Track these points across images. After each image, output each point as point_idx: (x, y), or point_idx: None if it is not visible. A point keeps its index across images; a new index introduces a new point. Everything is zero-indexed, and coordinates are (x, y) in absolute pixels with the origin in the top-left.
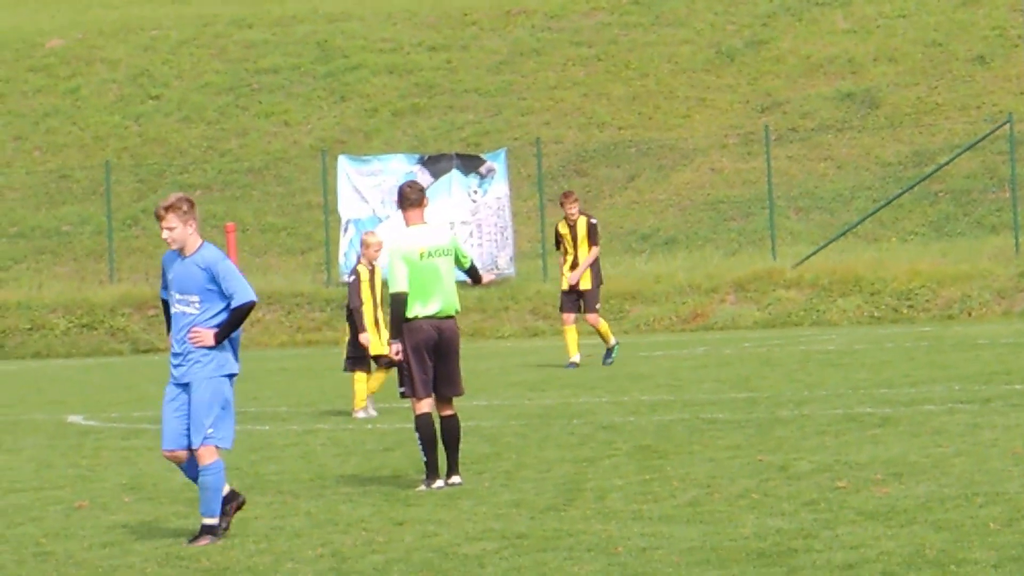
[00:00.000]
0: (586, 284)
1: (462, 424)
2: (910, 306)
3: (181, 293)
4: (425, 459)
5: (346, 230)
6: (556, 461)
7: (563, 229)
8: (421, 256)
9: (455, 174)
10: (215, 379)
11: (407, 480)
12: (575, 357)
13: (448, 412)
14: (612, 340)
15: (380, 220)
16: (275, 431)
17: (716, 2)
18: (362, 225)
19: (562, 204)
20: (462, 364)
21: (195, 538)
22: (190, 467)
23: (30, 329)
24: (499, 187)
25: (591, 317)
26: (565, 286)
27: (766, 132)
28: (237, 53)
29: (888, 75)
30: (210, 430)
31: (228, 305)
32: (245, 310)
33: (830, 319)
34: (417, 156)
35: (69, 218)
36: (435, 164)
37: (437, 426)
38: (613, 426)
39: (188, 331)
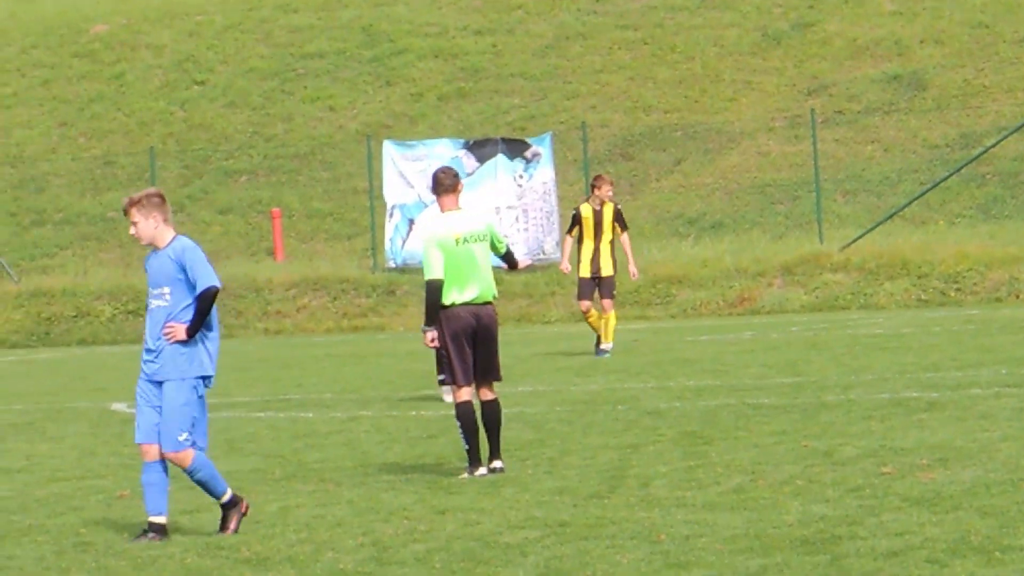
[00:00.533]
0: (608, 270)
1: (506, 410)
2: (957, 289)
3: (155, 287)
4: (467, 447)
5: (392, 215)
6: (600, 448)
7: (586, 212)
8: (457, 242)
9: (500, 159)
10: (188, 380)
11: (450, 468)
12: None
13: (489, 396)
14: (611, 343)
15: (426, 205)
16: (319, 418)
17: None
18: (408, 210)
19: (595, 187)
20: (508, 349)
21: (223, 524)
22: (150, 468)
23: (75, 316)
24: (545, 171)
25: (607, 303)
26: (587, 272)
27: (812, 115)
28: (282, 38)
29: (935, 57)
30: (183, 436)
31: None
32: (208, 296)
33: (877, 302)
34: (462, 141)
35: (114, 204)
36: (480, 149)
37: (478, 413)
38: (658, 412)
39: (163, 326)
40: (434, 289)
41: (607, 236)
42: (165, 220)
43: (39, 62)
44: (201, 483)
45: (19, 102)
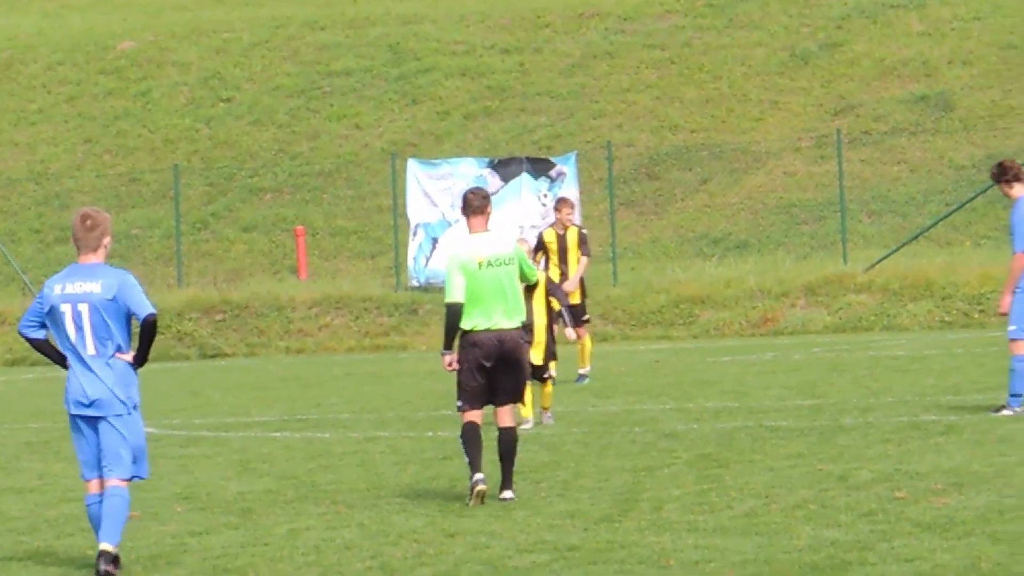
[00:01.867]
0: (576, 297)
1: (523, 432)
2: (981, 311)
3: None
4: (467, 459)
5: (415, 234)
6: (615, 470)
7: (549, 237)
8: (480, 265)
9: (525, 178)
10: None
11: (463, 490)
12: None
13: (507, 424)
14: (588, 367)
15: (449, 224)
16: (335, 439)
17: (790, 4)
18: (431, 229)
19: (558, 210)
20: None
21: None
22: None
23: None
24: (569, 191)
25: (580, 331)
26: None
27: (838, 135)
28: (309, 55)
29: (963, 78)
30: None
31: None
32: None
33: (901, 324)
34: (487, 159)
35: (138, 221)
36: (505, 168)
37: (493, 436)
38: (675, 434)
39: None
40: (453, 313)
41: (573, 260)
42: (76, 245)
43: (65, 79)
44: None
45: (44, 119)
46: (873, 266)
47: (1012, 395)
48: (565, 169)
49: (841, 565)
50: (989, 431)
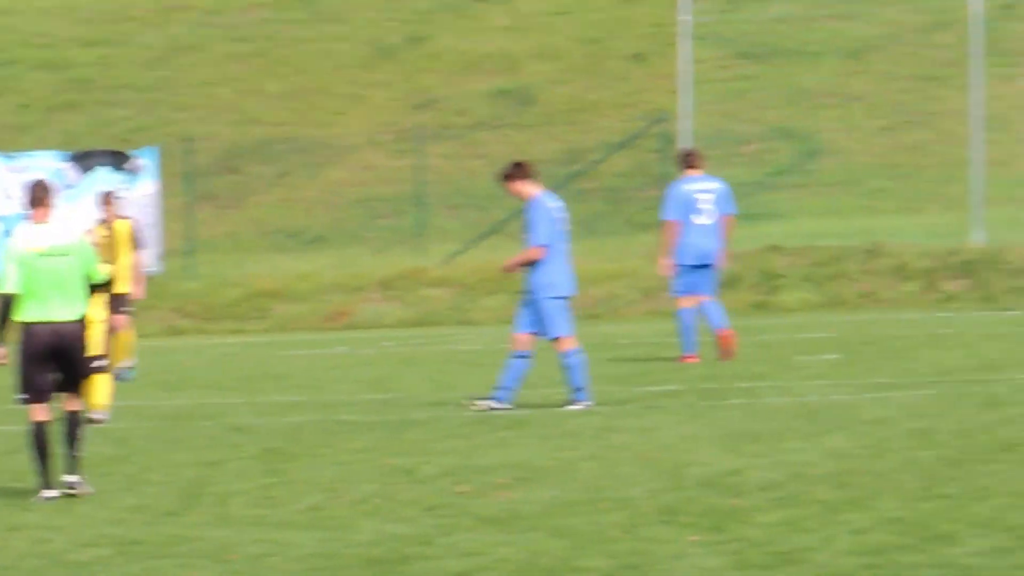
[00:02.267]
0: (123, 288)
1: (90, 426)
2: None
3: None
4: (37, 468)
5: None
6: (183, 464)
7: (101, 232)
8: (37, 256)
9: (104, 171)
10: None
11: (27, 483)
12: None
13: (73, 408)
14: (134, 359)
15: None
16: None
17: None
18: (8, 222)
19: (102, 205)
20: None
21: None
22: None
23: None
24: (148, 184)
25: (119, 319)
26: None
27: (419, 130)
28: None
29: (545, 72)
30: None
31: None
32: None
33: (475, 318)
34: (66, 153)
35: None
36: (84, 161)
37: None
38: (244, 428)
39: None
40: (5, 305)
41: (124, 255)
42: None
43: None
44: None
45: None
46: (449, 260)
47: (576, 389)
48: (145, 162)
49: (402, 559)
50: (556, 425)
